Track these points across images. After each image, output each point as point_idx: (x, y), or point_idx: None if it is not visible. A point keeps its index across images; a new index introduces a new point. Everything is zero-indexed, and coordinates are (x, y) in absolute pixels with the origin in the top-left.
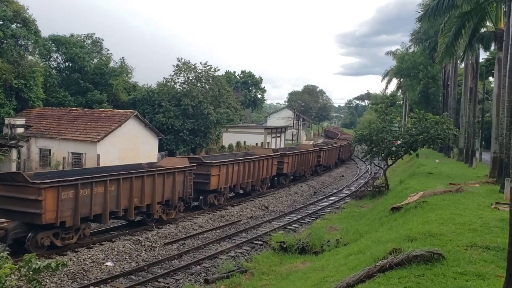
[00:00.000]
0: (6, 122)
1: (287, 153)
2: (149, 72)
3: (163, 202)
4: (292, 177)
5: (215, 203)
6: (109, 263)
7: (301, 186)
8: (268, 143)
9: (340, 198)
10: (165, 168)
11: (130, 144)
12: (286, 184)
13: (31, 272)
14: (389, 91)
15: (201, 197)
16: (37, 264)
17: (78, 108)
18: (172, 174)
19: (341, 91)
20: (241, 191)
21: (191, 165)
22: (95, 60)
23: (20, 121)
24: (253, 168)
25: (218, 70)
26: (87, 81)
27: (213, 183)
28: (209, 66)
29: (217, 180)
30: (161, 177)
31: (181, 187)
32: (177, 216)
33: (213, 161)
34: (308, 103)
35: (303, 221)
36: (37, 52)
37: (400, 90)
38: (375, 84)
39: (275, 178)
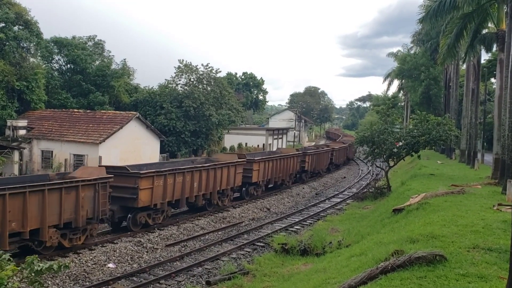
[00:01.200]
0: (8, 124)
1: (256, 158)
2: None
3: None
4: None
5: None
6: (111, 265)
7: (303, 188)
8: (270, 144)
9: (342, 199)
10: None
11: (132, 146)
12: (257, 195)
13: (33, 274)
14: (390, 92)
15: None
16: (39, 266)
17: (80, 110)
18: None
19: (342, 92)
20: (186, 208)
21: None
22: (97, 62)
23: (22, 123)
24: (206, 178)
25: (220, 71)
26: (89, 83)
27: (143, 199)
28: (210, 68)
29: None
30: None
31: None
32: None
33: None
34: (309, 105)
35: (304, 223)
36: (39, 54)
37: (401, 91)
38: (377, 86)
39: (243, 188)
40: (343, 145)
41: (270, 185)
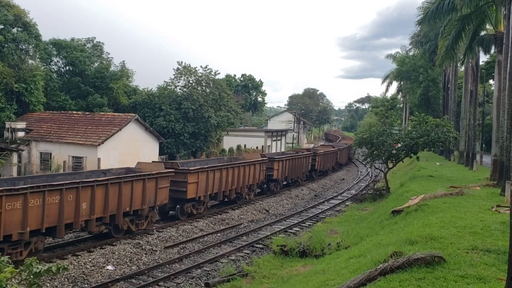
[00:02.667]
0: (7, 126)
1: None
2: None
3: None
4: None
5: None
6: (109, 267)
7: (302, 190)
8: (269, 146)
9: (341, 201)
10: (252, 161)
11: (131, 148)
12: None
13: (31, 276)
14: (389, 94)
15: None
16: (37, 268)
17: (78, 112)
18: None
19: (341, 94)
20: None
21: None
22: (96, 64)
23: (21, 125)
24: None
25: (219, 73)
26: (88, 85)
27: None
28: (209, 70)
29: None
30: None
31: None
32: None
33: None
34: (308, 106)
35: (303, 225)
36: (38, 56)
37: (400, 93)
38: (376, 87)
39: (264, 185)
40: (345, 146)
41: (284, 182)
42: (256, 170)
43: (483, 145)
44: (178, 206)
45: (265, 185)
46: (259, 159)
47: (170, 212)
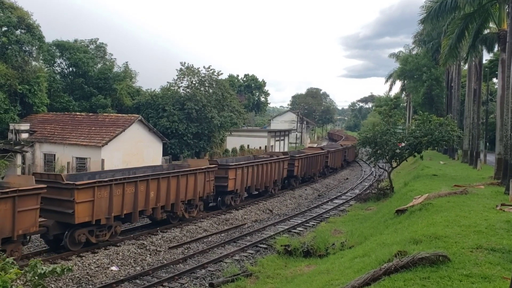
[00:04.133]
0: (11, 127)
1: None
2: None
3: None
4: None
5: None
6: (114, 268)
7: (305, 189)
8: (272, 146)
9: (344, 201)
10: (277, 158)
11: (134, 149)
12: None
13: (36, 277)
14: (392, 93)
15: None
16: (42, 269)
17: (82, 113)
18: (279, 163)
19: (344, 93)
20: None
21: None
22: (99, 65)
23: (25, 126)
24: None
25: (222, 74)
26: (91, 86)
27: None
28: (212, 70)
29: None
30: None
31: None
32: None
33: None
34: (311, 106)
35: (307, 224)
36: (41, 57)
37: (403, 92)
38: (379, 86)
39: (285, 181)
40: (350, 145)
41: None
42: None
43: (487, 144)
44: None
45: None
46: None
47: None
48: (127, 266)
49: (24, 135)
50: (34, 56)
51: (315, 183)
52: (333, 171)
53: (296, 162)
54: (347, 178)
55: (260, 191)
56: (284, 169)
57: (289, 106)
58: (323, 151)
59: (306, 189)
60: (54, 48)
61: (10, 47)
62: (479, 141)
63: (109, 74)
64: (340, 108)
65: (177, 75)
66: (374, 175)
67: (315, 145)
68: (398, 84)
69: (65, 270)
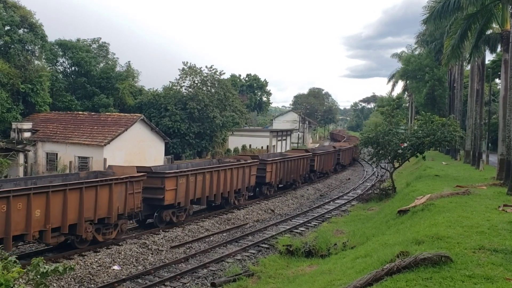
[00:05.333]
0: (13, 126)
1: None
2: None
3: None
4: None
5: None
6: (116, 267)
7: (307, 189)
8: (274, 146)
9: (346, 201)
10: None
11: (137, 148)
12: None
13: (38, 276)
14: (395, 93)
15: None
16: (44, 268)
17: (84, 112)
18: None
19: (347, 93)
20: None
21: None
22: (101, 65)
23: (27, 125)
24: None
25: (224, 73)
26: (94, 85)
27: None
28: (214, 70)
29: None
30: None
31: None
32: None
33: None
34: (313, 106)
35: (309, 224)
36: (43, 56)
37: (406, 92)
38: (381, 87)
39: (306, 175)
40: (347, 146)
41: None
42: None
43: (490, 144)
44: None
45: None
46: (249, 162)
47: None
48: (129, 265)
49: (27, 134)
50: (37, 55)
51: (298, 189)
52: (323, 176)
53: (268, 167)
54: (349, 178)
55: (216, 203)
56: (251, 176)
57: (291, 106)
58: (307, 154)
59: (307, 189)
60: (57, 47)
61: (13, 46)
62: (482, 141)
63: (112, 73)
64: (342, 108)
65: (179, 75)
66: (376, 175)
67: (317, 145)
68: (400, 84)
69: (67, 269)
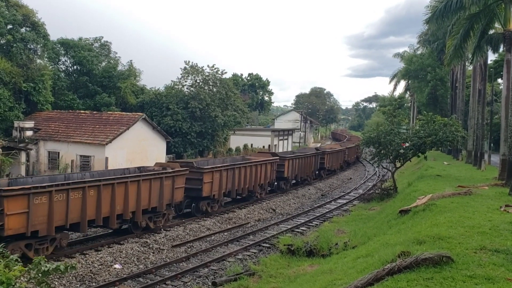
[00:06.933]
0: (15, 125)
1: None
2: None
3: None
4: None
5: None
6: (117, 266)
7: (309, 189)
8: (276, 145)
9: (348, 200)
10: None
11: (138, 147)
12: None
13: (40, 275)
14: (397, 93)
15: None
16: (46, 266)
17: (86, 111)
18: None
19: (348, 93)
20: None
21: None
22: (103, 64)
23: (29, 124)
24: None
25: (226, 72)
26: (95, 84)
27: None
28: (216, 69)
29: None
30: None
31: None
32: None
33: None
34: (315, 106)
35: (310, 224)
36: (46, 55)
37: (408, 92)
38: (383, 86)
39: (316, 172)
40: (336, 149)
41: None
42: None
43: (491, 145)
44: (276, 183)
45: (317, 172)
46: (176, 170)
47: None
48: (130, 264)
49: (29, 133)
50: (39, 54)
51: (300, 188)
52: (300, 183)
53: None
54: (350, 178)
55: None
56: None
57: (293, 106)
58: (274, 158)
59: (309, 189)
60: (59, 46)
61: (15, 45)
62: (484, 141)
63: (114, 72)
64: (344, 107)
65: (181, 74)
66: (378, 175)
67: (318, 145)
68: (402, 84)
69: (68, 267)
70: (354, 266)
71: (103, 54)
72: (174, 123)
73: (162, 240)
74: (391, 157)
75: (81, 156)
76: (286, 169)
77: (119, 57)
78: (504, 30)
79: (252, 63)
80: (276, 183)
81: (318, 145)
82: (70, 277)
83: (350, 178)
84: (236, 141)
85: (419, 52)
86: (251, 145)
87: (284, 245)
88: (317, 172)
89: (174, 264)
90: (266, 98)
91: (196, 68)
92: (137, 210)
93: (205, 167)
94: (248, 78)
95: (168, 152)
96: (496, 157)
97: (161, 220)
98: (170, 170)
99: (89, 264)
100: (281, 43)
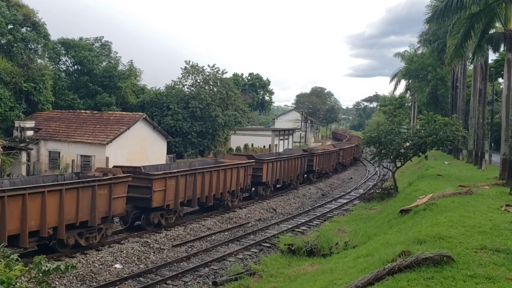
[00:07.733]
0: (16, 125)
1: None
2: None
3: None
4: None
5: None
6: (117, 265)
7: (309, 189)
8: (276, 145)
9: (348, 200)
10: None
11: (139, 147)
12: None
13: (40, 274)
14: (397, 92)
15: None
16: (46, 266)
17: (87, 111)
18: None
19: (349, 93)
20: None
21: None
22: (104, 63)
23: (30, 124)
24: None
25: (226, 72)
26: (96, 84)
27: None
28: (216, 69)
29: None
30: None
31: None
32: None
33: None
34: (316, 105)
35: (311, 224)
36: (46, 55)
37: (408, 91)
38: (384, 86)
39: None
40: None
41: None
42: (333, 157)
43: (492, 144)
44: (254, 188)
45: (145, 216)
46: (112, 178)
47: None
48: (130, 263)
49: (29, 133)
50: (40, 54)
51: (300, 188)
52: (285, 188)
53: (158, 185)
54: (351, 178)
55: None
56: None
57: (294, 105)
58: (248, 161)
59: (309, 188)
60: (60, 46)
61: (15, 45)
62: (484, 141)
63: (114, 72)
64: (344, 107)
65: (181, 74)
66: (378, 175)
67: (318, 144)
68: (403, 84)
69: (69, 267)
70: (355, 265)
71: (103, 54)
72: (175, 123)
73: (163, 239)
74: (391, 156)
75: (81, 156)
76: (264, 173)
77: (120, 57)
78: (505, 30)
79: (252, 62)
80: (253, 189)
81: (319, 144)
82: (71, 277)
83: (351, 178)
84: (237, 141)
85: (419, 51)
86: (252, 144)
87: (285, 244)
88: (305, 175)
89: (175, 264)
90: (267, 98)
91: (197, 67)
92: (60, 225)
93: (155, 173)
94: (249, 77)
95: (169, 152)
96: (497, 157)
97: (95, 236)
98: (105, 178)
99: (89, 264)
100: (282, 42)
